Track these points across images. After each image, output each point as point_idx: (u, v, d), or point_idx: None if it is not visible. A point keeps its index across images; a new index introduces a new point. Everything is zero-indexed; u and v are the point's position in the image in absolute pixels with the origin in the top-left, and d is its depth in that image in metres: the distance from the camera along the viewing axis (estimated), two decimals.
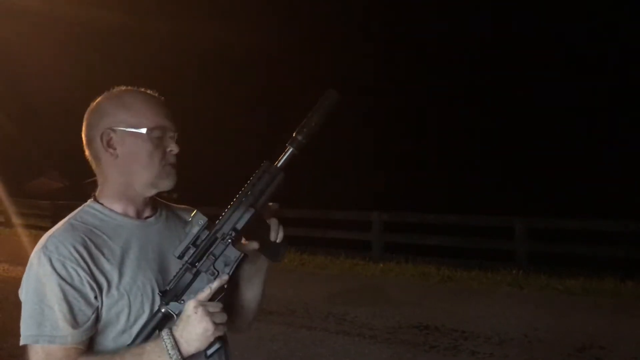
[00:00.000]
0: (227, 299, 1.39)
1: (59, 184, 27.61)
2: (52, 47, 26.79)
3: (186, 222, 1.45)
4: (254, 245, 1.42)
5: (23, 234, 13.52)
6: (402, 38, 30.36)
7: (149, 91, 1.49)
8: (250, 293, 1.56)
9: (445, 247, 9.54)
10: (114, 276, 1.35)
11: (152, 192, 1.45)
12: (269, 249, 1.46)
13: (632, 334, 5.57)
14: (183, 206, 1.64)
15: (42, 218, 16.46)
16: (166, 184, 1.44)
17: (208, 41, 29.67)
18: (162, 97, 1.51)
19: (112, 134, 1.41)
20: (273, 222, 1.45)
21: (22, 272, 1.37)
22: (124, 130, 1.40)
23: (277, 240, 1.45)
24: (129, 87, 1.48)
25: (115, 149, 1.41)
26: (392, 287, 7.92)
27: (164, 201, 1.60)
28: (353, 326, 6.09)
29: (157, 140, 1.41)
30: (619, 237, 8.49)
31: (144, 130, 1.40)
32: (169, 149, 1.43)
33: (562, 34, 25.60)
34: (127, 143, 1.40)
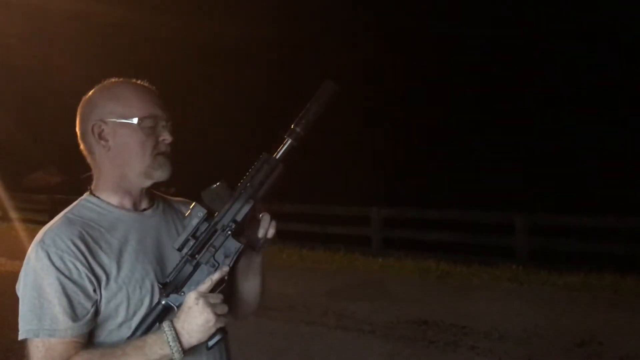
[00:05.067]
0: (227, 289, 1.38)
1: (56, 178, 27.53)
2: (51, 41, 26.71)
3: (183, 215, 1.45)
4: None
5: (20, 229, 13.47)
6: (403, 35, 30.29)
7: (139, 81, 1.47)
8: (247, 286, 1.54)
9: (445, 243, 9.49)
10: (112, 269, 1.34)
11: (147, 182, 1.43)
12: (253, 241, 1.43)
13: (631, 329, 5.57)
14: (180, 199, 1.63)
15: (39, 212, 16.40)
16: (159, 175, 1.41)
17: (209, 36, 29.55)
18: (154, 87, 1.48)
19: (104, 126, 1.40)
20: (264, 219, 1.42)
21: (19, 267, 1.35)
22: (115, 121, 1.39)
23: (268, 236, 1.42)
24: (120, 79, 1.45)
25: (107, 140, 1.40)
26: (391, 283, 7.91)
27: (161, 194, 1.59)
28: (352, 321, 6.08)
29: (149, 129, 1.39)
30: (619, 233, 8.48)
31: (134, 120, 1.38)
32: (161, 138, 1.40)
33: (566, 27, 25.55)
34: (119, 134, 1.39)
